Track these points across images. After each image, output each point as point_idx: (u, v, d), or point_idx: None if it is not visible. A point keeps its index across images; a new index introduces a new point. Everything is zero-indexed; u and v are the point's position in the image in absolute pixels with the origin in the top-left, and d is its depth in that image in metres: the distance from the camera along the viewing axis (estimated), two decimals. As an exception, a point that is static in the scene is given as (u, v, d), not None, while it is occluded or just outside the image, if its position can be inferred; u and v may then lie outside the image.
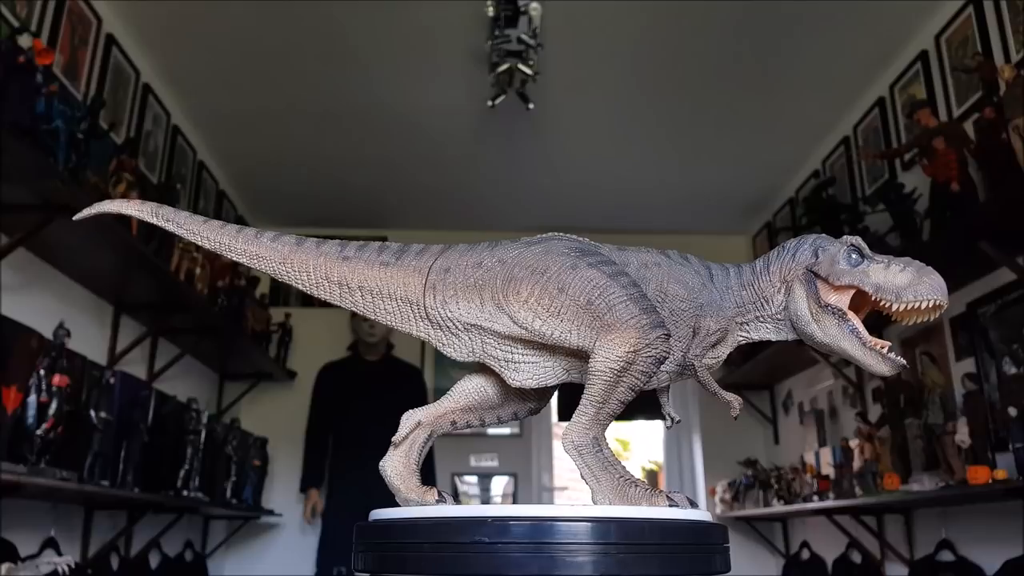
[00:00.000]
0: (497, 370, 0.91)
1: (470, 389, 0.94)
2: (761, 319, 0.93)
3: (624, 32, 3.03)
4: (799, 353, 3.66)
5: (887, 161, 3.22)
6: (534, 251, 0.88)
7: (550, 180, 4.24)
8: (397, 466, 0.91)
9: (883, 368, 0.85)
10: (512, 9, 2.66)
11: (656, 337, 0.81)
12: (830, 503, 3.17)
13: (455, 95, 3.40)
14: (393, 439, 0.92)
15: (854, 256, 0.88)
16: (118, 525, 2.92)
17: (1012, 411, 2.10)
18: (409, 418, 0.92)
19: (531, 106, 2.93)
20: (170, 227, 0.92)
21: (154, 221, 0.92)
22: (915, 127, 2.80)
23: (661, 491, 0.80)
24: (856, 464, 3.01)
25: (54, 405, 2.03)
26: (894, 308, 0.85)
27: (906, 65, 3.09)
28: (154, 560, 3.24)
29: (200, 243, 0.92)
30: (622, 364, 0.80)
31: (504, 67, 2.78)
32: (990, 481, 2.17)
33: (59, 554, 2.37)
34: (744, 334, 0.94)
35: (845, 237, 0.90)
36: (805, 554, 3.95)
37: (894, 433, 2.82)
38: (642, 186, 4.32)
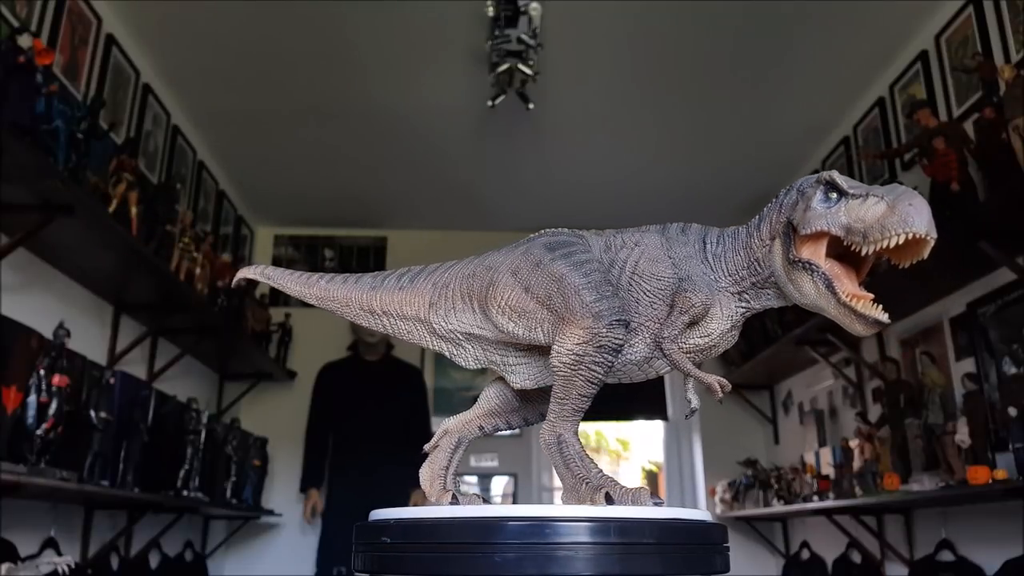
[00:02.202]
0: (501, 374, 0.93)
1: (492, 395, 0.97)
2: (759, 285, 0.84)
3: (624, 32, 3.03)
4: (799, 353, 3.66)
5: (887, 161, 3.22)
6: (516, 253, 0.90)
7: (550, 180, 4.24)
8: (426, 472, 0.94)
9: (856, 327, 0.75)
10: (512, 9, 2.66)
11: (605, 326, 0.79)
12: (830, 503, 3.16)
13: (455, 95, 3.40)
14: (425, 447, 0.97)
15: (832, 195, 0.77)
16: (118, 525, 2.92)
17: (1012, 411, 2.10)
18: (440, 427, 0.97)
19: (531, 106, 2.93)
20: (271, 283, 1.03)
21: (262, 279, 1.04)
22: (915, 127, 2.80)
23: (603, 489, 0.77)
24: (856, 464, 3.00)
25: (54, 405, 2.03)
26: (864, 251, 0.73)
27: (906, 65, 3.09)
28: (154, 560, 3.24)
29: (289, 293, 1.04)
30: (573, 358, 0.80)
31: (504, 67, 2.78)
32: (990, 481, 2.17)
33: (59, 554, 2.36)
34: (744, 305, 0.85)
35: (823, 173, 0.78)
36: (805, 554, 3.96)
37: (894, 433, 2.82)
38: (642, 186, 4.32)
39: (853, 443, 3.06)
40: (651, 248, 0.86)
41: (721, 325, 0.85)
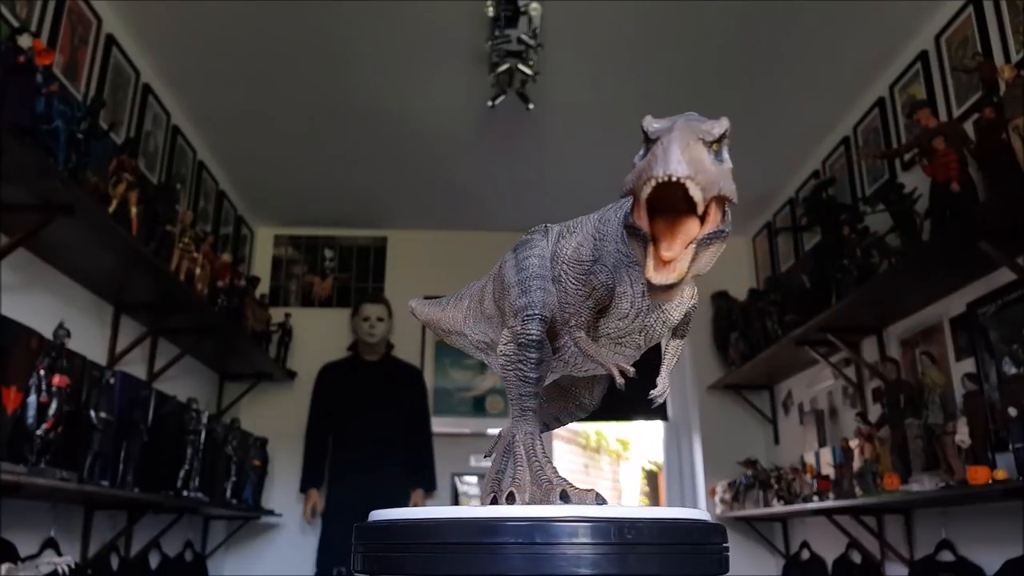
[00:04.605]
0: None
1: None
2: None
3: (624, 32, 3.03)
4: (799, 353, 3.65)
5: (887, 161, 3.22)
6: (503, 258, 0.91)
7: (550, 180, 4.24)
8: (486, 476, 0.96)
9: (653, 295, 0.67)
10: (512, 9, 2.66)
11: (519, 322, 0.78)
12: (830, 503, 3.16)
13: (455, 95, 3.40)
14: (485, 453, 1.01)
15: (650, 144, 0.65)
16: (118, 525, 2.92)
17: (1012, 411, 2.09)
18: (498, 431, 1.00)
19: (531, 106, 2.93)
20: (416, 314, 1.10)
21: (413, 310, 1.11)
22: (915, 127, 2.80)
23: (511, 491, 0.77)
24: (856, 464, 3.00)
25: (54, 405, 2.03)
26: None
27: (906, 65, 3.09)
28: (154, 560, 3.24)
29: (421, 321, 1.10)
30: (504, 359, 0.81)
31: (504, 67, 2.79)
32: (990, 481, 2.17)
33: (59, 554, 2.37)
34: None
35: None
36: (805, 554, 3.95)
37: (894, 433, 2.82)
38: (642, 186, 4.32)
39: (853, 443, 3.06)
40: (582, 233, 0.80)
41: (637, 304, 0.75)
